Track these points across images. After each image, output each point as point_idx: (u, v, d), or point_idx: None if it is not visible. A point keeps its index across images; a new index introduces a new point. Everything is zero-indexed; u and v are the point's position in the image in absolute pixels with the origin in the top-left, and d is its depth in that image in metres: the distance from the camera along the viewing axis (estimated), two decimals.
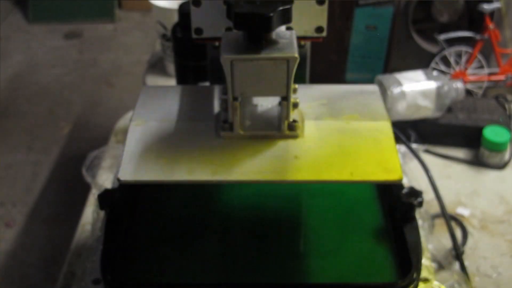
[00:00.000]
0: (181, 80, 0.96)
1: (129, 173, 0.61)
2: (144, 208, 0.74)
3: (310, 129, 0.66)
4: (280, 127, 0.64)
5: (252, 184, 0.73)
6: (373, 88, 0.73)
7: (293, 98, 0.63)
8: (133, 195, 0.74)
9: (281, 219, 0.73)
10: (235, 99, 0.62)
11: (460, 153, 1.13)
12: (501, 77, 1.22)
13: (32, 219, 1.24)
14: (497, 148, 1.07)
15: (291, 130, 0.64)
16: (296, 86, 0.64)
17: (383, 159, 0.63)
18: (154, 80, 1.19)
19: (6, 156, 1.28)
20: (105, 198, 0.69)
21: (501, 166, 1.10)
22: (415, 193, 0.71)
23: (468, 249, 0.95)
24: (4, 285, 0.97)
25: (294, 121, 0.64)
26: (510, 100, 1.22)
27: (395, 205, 0.72)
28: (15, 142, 1.57)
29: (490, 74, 1.22)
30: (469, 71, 1.22)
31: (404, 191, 0.71)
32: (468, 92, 1.22)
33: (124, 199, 0.71)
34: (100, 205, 0.69)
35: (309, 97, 0.71)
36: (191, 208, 0.74)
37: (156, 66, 1.28)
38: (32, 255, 1.04)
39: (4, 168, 1.26)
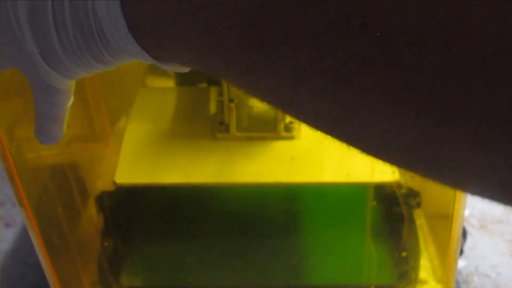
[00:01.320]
0: (180, 81, 0.95)
1: (125, 175, 0.61)
2: (141, 210, 0.74)
3: (307, 131, 0.66)
4: (276, 129, 0.64)
5: (249, 185, 0.73)
6: None
7: None
8: (130, 197, 0.74)
9: (278, 220, 0.73)
10: (230, 100, 0.61)
11: None
12: None
13: None
14: None
15: (288, 131, 0.64)
16: None
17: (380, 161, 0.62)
18: (153, 81, 1.19)
19: None
20: (103, 200, 0.69)
21: None
22: (413, 194, 0.71)
23: (467, 249, 0.95)
24: (4, 285, 0.97)
25: (291, 122, 0.64)
26: None
27: (393, 206, 0.72)
28: None
29: None
30: None
31: (403, 192, 0.71)
32: None
33: (121, 201, 0.71)
34: (97, 207, 0.69)
35: None
36: (188, 210, 0.74)
37: (155, 67, 1.27)
38: (32, 255, 1.04)
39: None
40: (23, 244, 1.08)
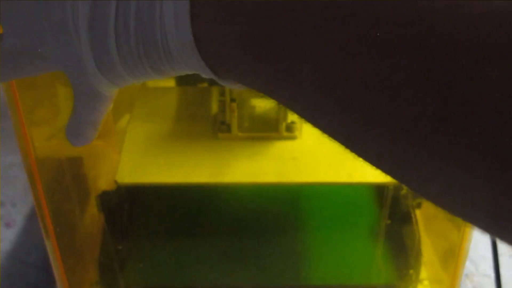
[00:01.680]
0: (181, 81, 0.95)
1: (126, 175, 0.61)
2: (142, 209, 0.74)
3: (309, 131, 0.66)
4: (278, 129, 0.64)
5: (251, 185, 0.73)
6: None
7: None
8: (131, 196, 0.74)
9: (280, 220, 0.73)
10: (232, 100, 0.61)
11: None
12: None
13: (32, 219, 1.24)
14: None
15: (289, 131, 0.64)
16: None
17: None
18: (155, 81, 1.19)
19: (6, 156, 1.29)
20: (104, 200, 0.68)
21: None
22: (414, 195, 0.71)
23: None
24: (3, 285, 0.97)
25: (292, 122, 0.64)
26: None
27: (395, 207, 0.72)
28: (15, 143, 1.56)
29: None
30: None
31: (403, 192, 0.71)
32: None
33: (122, 201, 0.70)
34: (99, 206, 0.69)
35: None
36: (189, 209, 0.74)
37: None
38: (31, 255, 1.04)
39: (4, 168, 1.26)
40: (22, 244, 1.08)
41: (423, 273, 0.69)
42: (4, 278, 0.98)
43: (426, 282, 0.69)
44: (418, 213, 0.73)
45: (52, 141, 0.59)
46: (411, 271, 0.65)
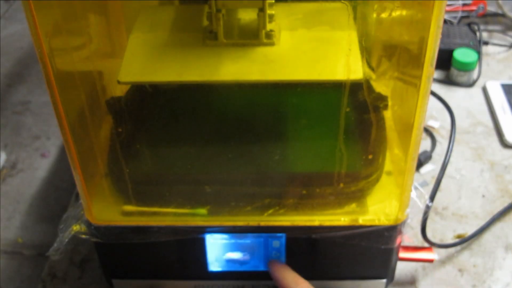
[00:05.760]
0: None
1: (127, 76, 0.65)
2: (145, 112, 0.76)
3: (285, 38, 0.69)
4: (258, 36, 0.67)
5: (235, 84, 0.71)
6: (341, 5, 0.74)
7: (269, 10, 0.66)
8: (136, 101, 0.77)
9: (263, 119, 0.75)
10: (218, 10, 0.65)
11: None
12: (473, 8, 1.23)
13: (64, 150, 1.30)
14: (466, 68, 1.09)
15: (268, 38, 0.68)
16: (273, 0, 0.67)
17: (348, 62, 0.66)
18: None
19: (41, 96, 1.34)
20: (110, 103, 0.71)
21: (469, 85, 1.12)
22: (381, 97, 0.73)
23: (436, 155, 0.99)
24: (41, 207, 1.03)
25: (271, 31, 0.68)
26: (481, 28, 1.23)
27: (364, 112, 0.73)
28: None
29: (464, 5, 1.24)
30: None
31: (373, 95, 0.73)
32: (444, 21, 1.23)
33: (127, 104, 0.73)
34: (108, 110, 0.72)
35: (286, 13, 0.73)
36: (182, 107, 0.76)
37: None
38: (65, 181, 1.10)
39: (39, 106, 1.31)
40: (57, 172, 1.12)
41: (389, 167, 0.72)
42: (40, 201, 1.04)
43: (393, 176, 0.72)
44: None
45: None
46: (370, 156, 0.68)
